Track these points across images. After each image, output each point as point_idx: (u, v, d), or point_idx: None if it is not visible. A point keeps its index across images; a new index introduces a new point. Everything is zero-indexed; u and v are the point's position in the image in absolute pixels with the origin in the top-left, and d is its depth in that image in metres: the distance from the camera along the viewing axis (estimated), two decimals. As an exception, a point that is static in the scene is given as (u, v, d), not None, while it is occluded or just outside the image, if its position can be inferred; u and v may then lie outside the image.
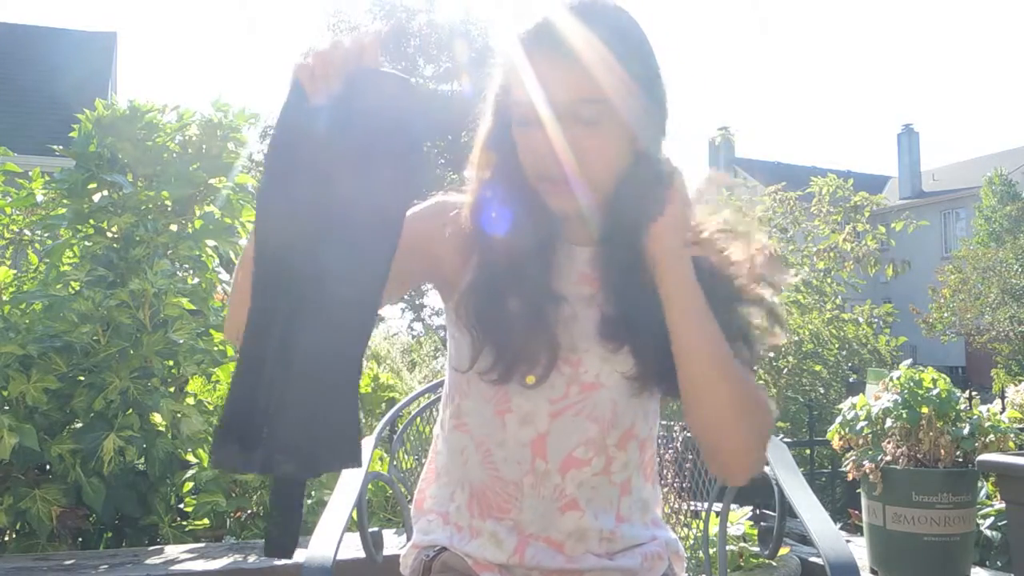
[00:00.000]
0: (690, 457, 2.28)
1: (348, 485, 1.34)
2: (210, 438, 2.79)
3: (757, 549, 2.36)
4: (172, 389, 2.83)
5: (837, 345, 6.09)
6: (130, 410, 2.59)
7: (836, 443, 2.76)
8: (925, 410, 2.54)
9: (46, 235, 3.11)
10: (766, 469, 1.38)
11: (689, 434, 2.34)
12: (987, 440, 2.49)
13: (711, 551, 1.71)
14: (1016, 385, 4.13)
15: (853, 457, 2.64)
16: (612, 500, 1.11)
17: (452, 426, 1.14)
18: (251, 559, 2.26)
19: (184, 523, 2.78)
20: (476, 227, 1.07)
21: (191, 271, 3.10)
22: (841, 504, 3.73)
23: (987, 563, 2.75)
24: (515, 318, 1.03)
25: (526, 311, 1.04)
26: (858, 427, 2.67)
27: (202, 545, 2.52)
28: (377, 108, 0.87)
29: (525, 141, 1.02)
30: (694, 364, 0.99)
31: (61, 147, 3.09)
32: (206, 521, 2.77)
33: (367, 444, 1.49)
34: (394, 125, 0.87)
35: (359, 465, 0.85)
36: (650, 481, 1.17)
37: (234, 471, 0.92)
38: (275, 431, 0.83)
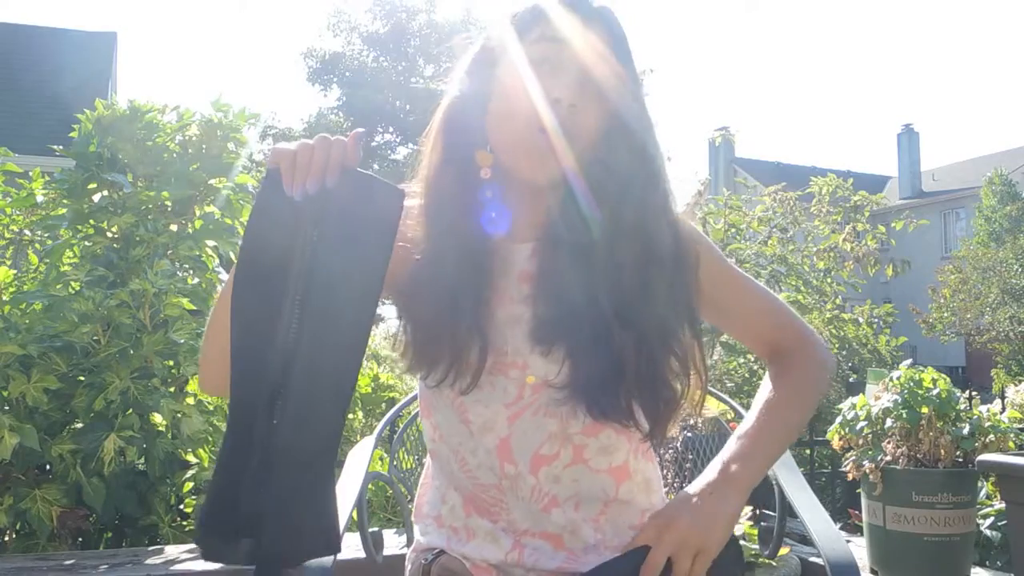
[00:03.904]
0: (690, 457, 2.28)
1: (348, 485, 1.34)
2: (210, 438, 2.80)
3: (757, 549, 2.36)
4: (172, 389, 2.82)
5: (837, 345, 6.08)
6: (130, 410, 2.59)
7: (836, 443, 2.76)
8: (925, 410, 2.54)
9: (46, 235, 3.11)
10: (766, 469, 1.38)
11: (689, 434, 2.34)
12: (987, 440, 2.49)
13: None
14: (1016, 385, 4.12)
15: (853, 457, 2.64)
16: (604, 488, 1.08)
17: (433, 439, 1.14)
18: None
19: (184, 523, 2.78)
20: (423, 222, 1.06)
21: (191, 271, 3.10)
22: (841, 504, 3.73)
23: (987, 563, 2.74)
24: (447, 323, 1.02)
25: (457, 317, 1.02)
26: (858, 427, 2.66)
27: (202, 545, 2.52)
28: (353, 210, 0.89)
29: (507, 111, 1.03)
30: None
31: (61, 147, 3.10)
32: (206, 521, 2.76)
33: (367, 444, 1.49)
34: (369, 226, 0.90)
35: (339, 551, 0.89)
36: (652, 461, 1.15)
37: (220, 561, 0.94)
38: (260, 523, 0.86)
